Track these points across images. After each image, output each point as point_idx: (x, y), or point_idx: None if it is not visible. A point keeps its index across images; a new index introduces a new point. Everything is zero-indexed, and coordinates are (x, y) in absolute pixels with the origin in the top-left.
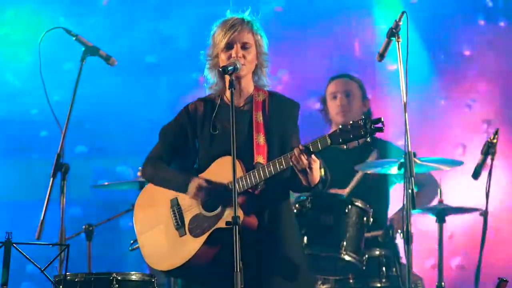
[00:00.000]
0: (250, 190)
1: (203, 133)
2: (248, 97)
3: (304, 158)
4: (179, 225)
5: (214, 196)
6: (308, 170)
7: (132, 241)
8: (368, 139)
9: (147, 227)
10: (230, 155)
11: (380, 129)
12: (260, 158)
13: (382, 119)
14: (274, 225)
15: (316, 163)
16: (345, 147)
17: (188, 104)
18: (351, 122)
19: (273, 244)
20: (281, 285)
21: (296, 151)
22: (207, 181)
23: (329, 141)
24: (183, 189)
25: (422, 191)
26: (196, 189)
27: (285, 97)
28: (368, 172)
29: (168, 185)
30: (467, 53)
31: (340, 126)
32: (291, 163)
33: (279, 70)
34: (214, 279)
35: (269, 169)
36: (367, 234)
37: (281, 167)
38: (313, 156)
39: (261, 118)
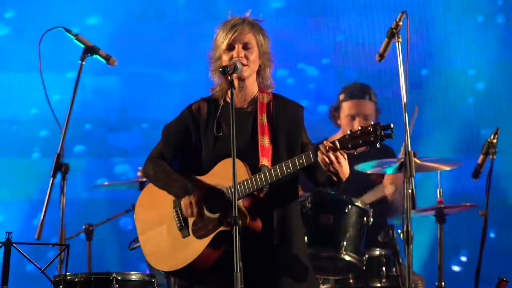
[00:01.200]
0: (255, 193)
1: (206, 134)
2: (252, 99)
3: (332, 155)
4: (182, 226)
5: (213, 205)
6: (337, 165)
7: (132, 241)
8: (378, 145)
9: (149, 226)
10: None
11: (390, 136)
12: (265, 161)
13: (392, 126)
14: (281, 227)
15: (345, 156)
16: (355, 153)
17: (192, 104)
18: (360, 128)
19: (281, 246)
20: (291, 286)
21: (320, 151)
22: (205, 188)
23: (338, 146)
24: (181, 192)
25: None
26: (185, 207)
27: (289, 99)
28: (368, 172)
29: (167, 190)
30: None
31: (349, 132)
32: (300, 167)
33: (278, 70)
34: (217, 281)
35: (276, 172)
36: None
37: (289, 171)
38: (340, 151)
39: (265, 120)
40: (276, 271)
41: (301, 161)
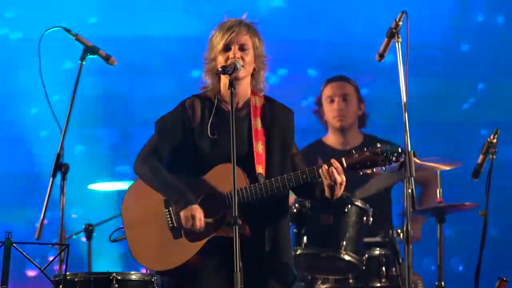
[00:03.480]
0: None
1: (201, 135)
2: (245, 102)
3: (338, 177)
4: (174, 226)
5: (210, 210)
6: (338, 185)
7: (113, 232)
8: (384, 169)
9: (137, 222)
10: (231, 161)
11: (398, 159)
12: (260, 168)
13: (400, 150)
14: (272, 234)
15: (344, 182)
16: (361, 173)
17: (185, 100)
18: (369, 148)
19: (271, 253)
20: None
21: (330, 167)
22: (205, 195)
23: (345, 165)
24: (180, 200)
25: (427, 191)
26: (186, 219)
27: (281, 103)
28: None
29: (164, 195)
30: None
31: (357, 151)
32: (303, 182)
33: (278, 70)
34: (210, 281)
35: (277, 185)
36: (367, 239)
37: (291, 184)
38: (343, 175)
39: (259, 125)
40: (263, 276)
41: (304, 176)
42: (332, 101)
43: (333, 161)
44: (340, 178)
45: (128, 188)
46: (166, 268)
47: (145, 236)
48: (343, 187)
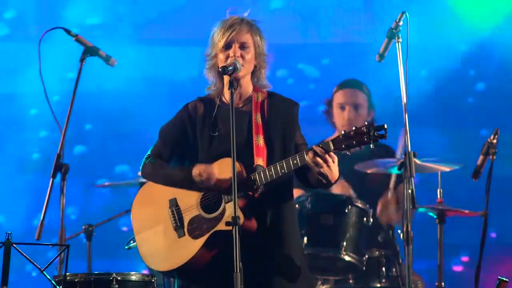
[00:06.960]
0: (250, 193)
1: (203, 134)
2: (247, 98)
3: (319, 159)
4: (178, 226)
5: (217, 186)
6: (326, 169)
7: (129, 240)
8: (371, 146)
9: (144, 226)
10: (230, 156)
11: (383, 136)
12: (259, 161)
13: (385, 126)
14: (276, 227)
15: (335, 159)
16: (348, 153)
17: (188, 103)
18: (354, 128)
19: (275, 245)
20: (283, 286)
21: (310, 154)
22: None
23: (332, 146)
24: (186, 181)
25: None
26: (199, 171)
27: (284, 97)
28: (369, 171)
29: (169, 181)
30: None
31: (343, 132)
32: (294, 167)
33: (278, 70)
34: (213, 280)
35: (270, 172)
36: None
37: (283, 171)
38: (331, 153)
39: (260, 119)
40: (268, 270)
41: (295, 161)
42: (343, 108)
43: (314, 147)
44: (320, 160)
45: (134, 198)
46: (171, 267)
47: (152, 239)
48: (332, 167)
